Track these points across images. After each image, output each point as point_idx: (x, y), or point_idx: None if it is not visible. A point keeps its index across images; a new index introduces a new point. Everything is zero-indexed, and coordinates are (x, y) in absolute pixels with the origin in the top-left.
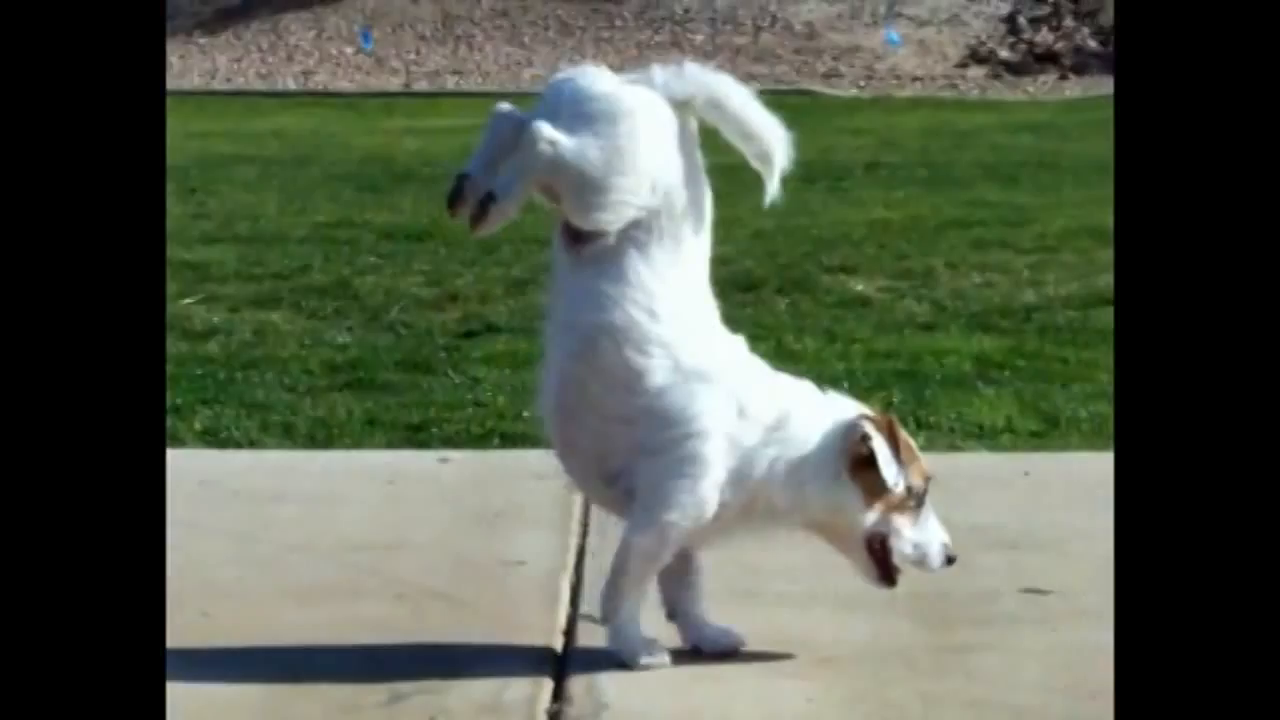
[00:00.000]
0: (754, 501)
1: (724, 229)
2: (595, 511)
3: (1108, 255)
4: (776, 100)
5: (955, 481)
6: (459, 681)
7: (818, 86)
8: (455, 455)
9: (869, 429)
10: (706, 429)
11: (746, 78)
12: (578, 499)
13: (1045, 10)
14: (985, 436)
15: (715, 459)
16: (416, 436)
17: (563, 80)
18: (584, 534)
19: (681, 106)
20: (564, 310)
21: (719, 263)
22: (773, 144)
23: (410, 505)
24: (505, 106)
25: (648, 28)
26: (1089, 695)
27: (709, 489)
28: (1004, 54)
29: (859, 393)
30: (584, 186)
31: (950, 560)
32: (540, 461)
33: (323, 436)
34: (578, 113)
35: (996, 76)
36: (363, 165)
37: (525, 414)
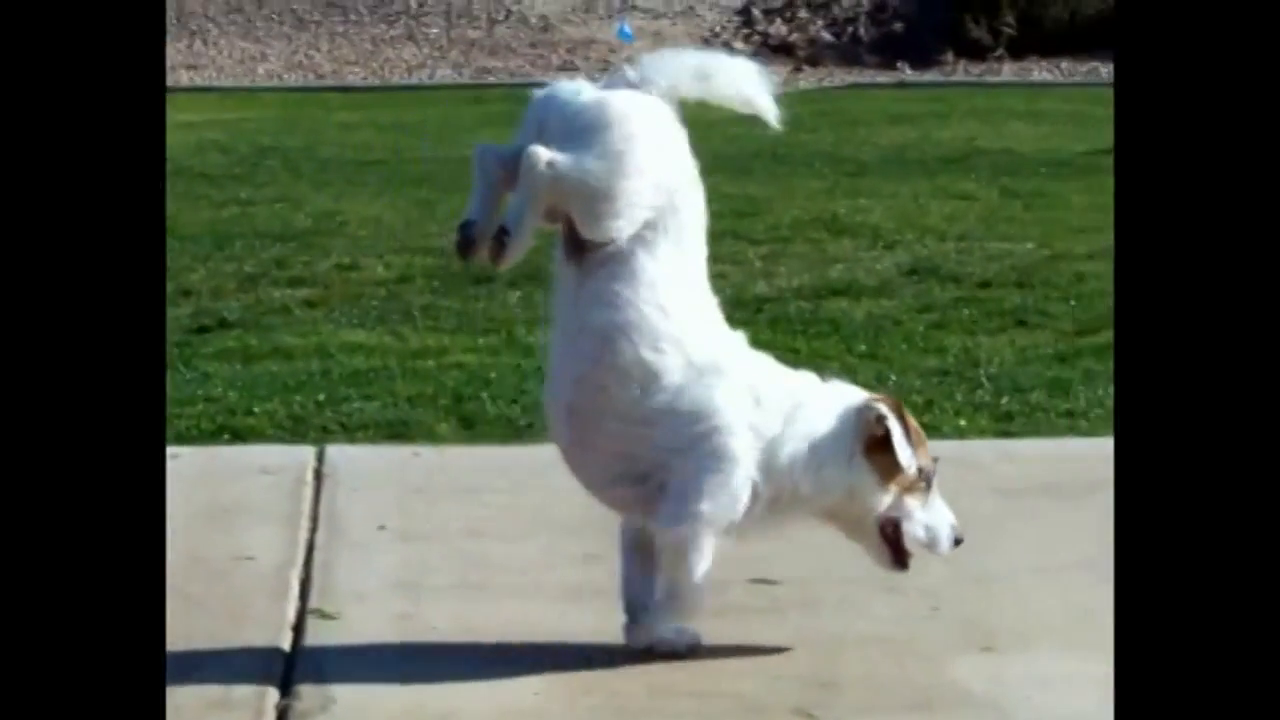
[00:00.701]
0: (782, 490)
1: (451, 223)
2: (324, 506)
3: (839, 245)
4: (512, 94)
5: None
6: (188, 677)
7: (553, 79)
8: (185, 451)
9: (884, 410)
10: (729, 422)
11: (481, 72)
12: (307, 494)
13: (779, 2)
14: None
15: (743, 451)
16: None
17: (544, 99)
18: (313, 529)
19: (667, 95)
20: (576, 315)
21: (445, 255)
22: (751, 85)
23: None
24: (485, 145)
25: (382, 22)
26: (819, 685)
27: (741, 481)
28: (738, 45)
29: None
30: (591, 199)
31: (958, 541)
32: (269, 457)
33: None
34: (568, 129)
35: None
36: None
37: (255, 409)
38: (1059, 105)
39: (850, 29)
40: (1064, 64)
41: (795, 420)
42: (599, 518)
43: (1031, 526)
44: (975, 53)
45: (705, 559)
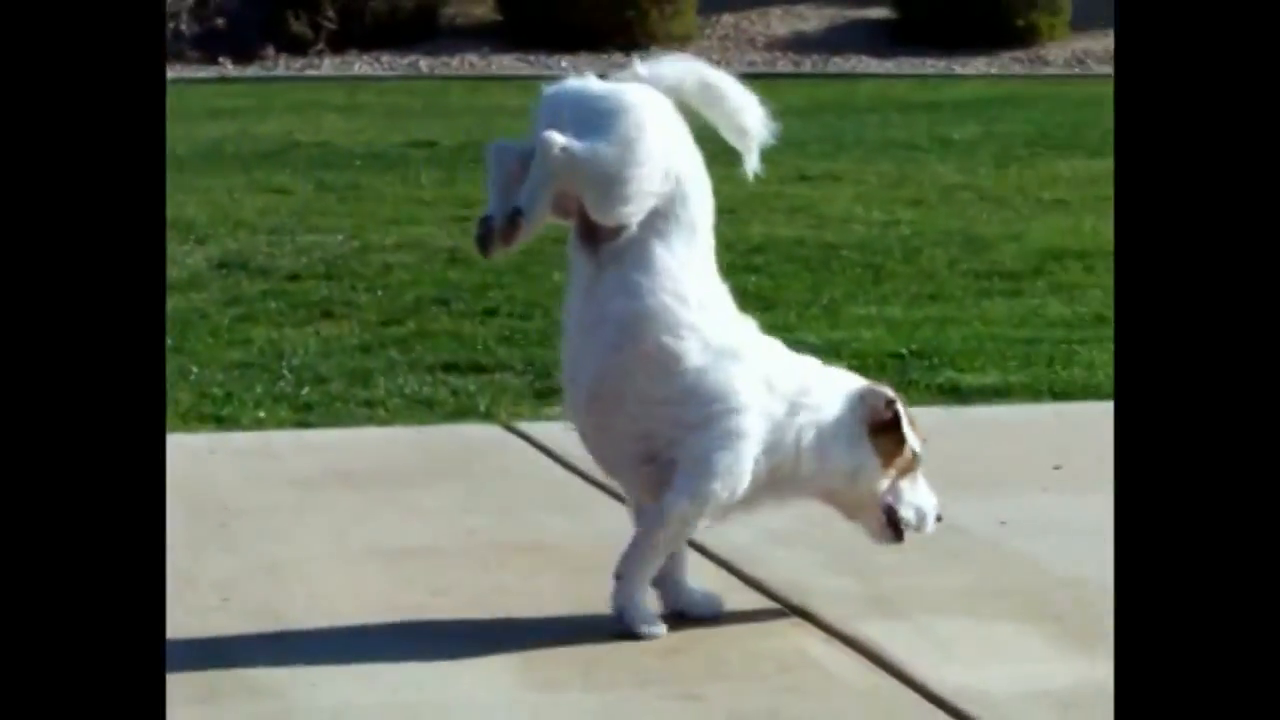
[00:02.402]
0: (779, 469)
1: None
2: None
3: None
4: None
5: None
6: None
7: None
8: None
9: (893, 395)
10: (744, 403)
11: None
12: None
13: None
14: None
15: (753, 431)
16: None
17: (555, 92)
18: None
19: (671, 94)
20: (594, 306)
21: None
22: (752, 118)
23: None
24: (500, 141)
25: None
26: None
27: (748, 460)
28: None
29: None
30: (603, 183)
31: (939, 519)
32: None
33: None
34: (581, 116)
35: None
36: None
37: None
38: (376, 98)
39: (172, 24)
40: (384, 58)
41: (802, 404)
42: None
43: (327, 515)
44: (296, 47)
45: (686, 535)
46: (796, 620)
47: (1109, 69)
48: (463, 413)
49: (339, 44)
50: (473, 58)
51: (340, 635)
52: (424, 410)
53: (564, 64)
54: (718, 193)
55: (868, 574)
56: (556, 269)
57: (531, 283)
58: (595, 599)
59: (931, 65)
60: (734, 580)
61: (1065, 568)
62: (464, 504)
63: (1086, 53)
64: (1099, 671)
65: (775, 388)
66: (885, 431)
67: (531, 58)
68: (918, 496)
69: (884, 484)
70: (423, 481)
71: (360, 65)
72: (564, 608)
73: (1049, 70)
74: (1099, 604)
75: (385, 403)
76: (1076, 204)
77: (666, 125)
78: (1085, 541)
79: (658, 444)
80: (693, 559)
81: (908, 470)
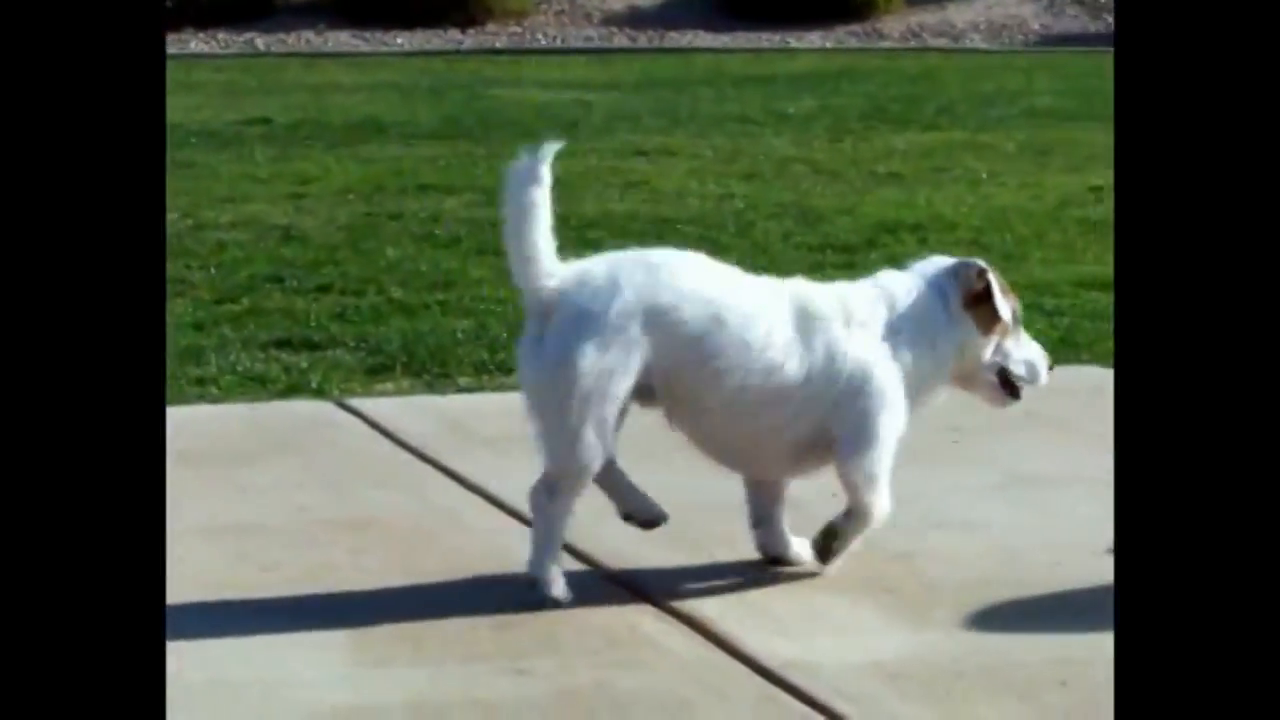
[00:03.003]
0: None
1: None
2: None
3: None
4: None
5: None
6: None
7: None
8: None
9: (984, 264)
10: (880, 369)
11: None
12: None
13: None
14: None
15: (892, 383)
16: None
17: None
18: None
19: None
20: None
21: None
22: None
23: None
24: (533, 488)
25: None
26: None
27: (897, 391)
28: None
29: None
30: (584, 436)
31: (1051, 368)
32: None
33: None
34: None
35: None
36: None
37: None
38: (213, 76)
39: None
40: (221, 35)
41: (894, 314)
42: None
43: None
44: None
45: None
46: (628, 595)
47: (944, 42)
48: (295, 389)
49: (175, 22)
50: (309, 35)
51: (170, 613)
52: (256, 387)
53: (399, 40)
54: (553, 169)
55: (701, 548)
56: (389, 245)
57: (364, 259)
58: (425, 574)
59: (767, 39)
60: (564, 554)
61: (898, 540)
62: (295, 480)
63: (922, 26)
64: (927, 641)
65: (856, 319)
66: (981, 302)
67: (368, 34)
68: (1025, 351)
69: (990, 350)
70: (254, 459)
71: (196, 43)
72: (393, 583)
73: (884, 44)
74: (931, 575)
75: (218, 380)
76: (910, 177)
77: (587, 343)
78: (917, 513)
79: (814, 435)
80: (523, 533)
81: (1008, 332)
